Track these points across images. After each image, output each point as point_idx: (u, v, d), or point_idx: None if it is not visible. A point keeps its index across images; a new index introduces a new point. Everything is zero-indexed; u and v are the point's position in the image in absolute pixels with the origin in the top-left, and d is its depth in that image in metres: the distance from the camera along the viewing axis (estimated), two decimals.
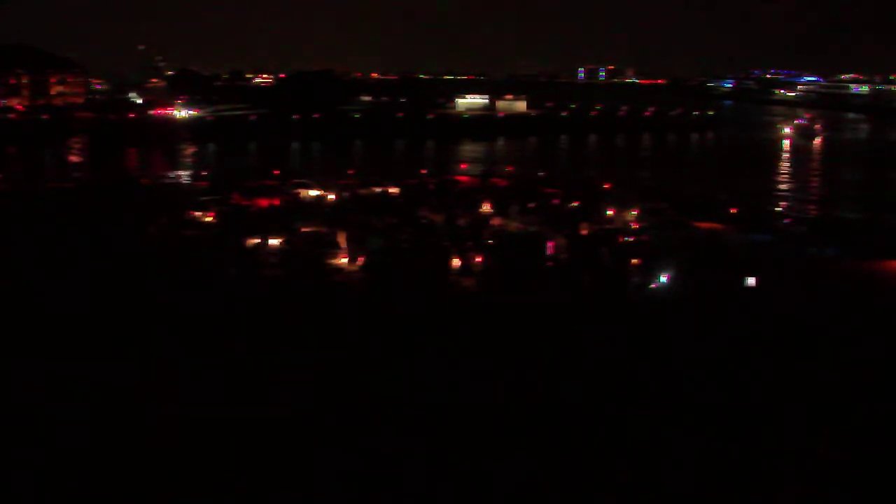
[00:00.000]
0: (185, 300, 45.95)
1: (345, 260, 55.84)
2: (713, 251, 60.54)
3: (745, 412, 33.10)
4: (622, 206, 72.03)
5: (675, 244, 61.00)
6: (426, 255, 56.23)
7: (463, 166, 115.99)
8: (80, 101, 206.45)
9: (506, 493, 27.67)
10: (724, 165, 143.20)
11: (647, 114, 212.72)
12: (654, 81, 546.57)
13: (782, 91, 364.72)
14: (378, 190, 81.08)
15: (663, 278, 50.57)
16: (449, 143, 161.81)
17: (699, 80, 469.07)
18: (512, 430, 31.65)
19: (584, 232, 64.02)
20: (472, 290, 50.69)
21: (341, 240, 59.38)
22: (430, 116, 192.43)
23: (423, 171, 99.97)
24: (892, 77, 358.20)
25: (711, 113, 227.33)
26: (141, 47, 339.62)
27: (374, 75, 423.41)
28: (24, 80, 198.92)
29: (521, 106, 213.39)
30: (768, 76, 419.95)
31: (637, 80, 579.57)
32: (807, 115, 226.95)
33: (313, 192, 79.03)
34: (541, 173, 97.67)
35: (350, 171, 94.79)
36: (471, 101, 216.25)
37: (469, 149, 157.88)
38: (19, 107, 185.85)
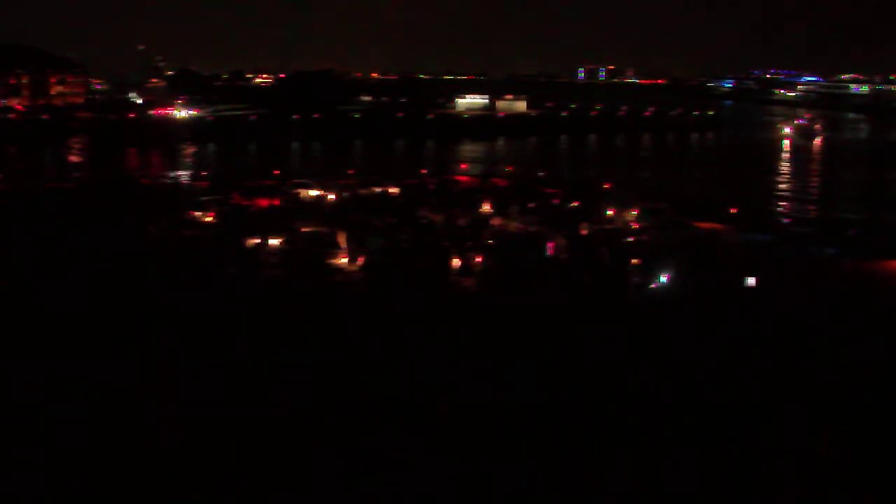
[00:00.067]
0: (185, 300, 45.95)
1: (345, 260, 55.85)
2: (713, 251, 60.57)
3: (745, 412, 33.09)
4: (622, 206, 72.04)
5: (675, 244, 61.01)
6: (426, 255, 56.26)
7: (463, 166, 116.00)
8: (80, 101, 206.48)
9: (506, 493, 27.66)
10: (724, 165, 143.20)
11: (647, 114, 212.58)
12: (654, 81, 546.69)
13: (782, 91, 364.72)
14: (378, 190, 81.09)
15: (663, 278, 50.57)
16: (449, 143, 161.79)
17: (699, 80, 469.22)
18: (512, 430, 31.64)
19: (584, 232, 64.03)
20: (472, 290, 50.69)
21: (341, 240, 59.39)
22: (430, 116, 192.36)
23: (423, 171, 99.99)
24: (892, 77, 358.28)
25: (711, 113, 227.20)
26: (141, 47, 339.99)
27: (374, 75, 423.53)
28: (24, 80, 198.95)
29: (521, 106, 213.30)
30: (768, 76, 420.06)
31: (637, 80, 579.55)
32: (807, 115, 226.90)
33: (313, 192, 79.03)
34: (541, 173, 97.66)
35: (350, 171, 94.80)
36: (471, 101, 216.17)
37: (469, 149, 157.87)
38: (19, 107, 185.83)
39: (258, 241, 58.94)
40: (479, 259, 55.05)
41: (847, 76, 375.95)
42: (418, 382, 35.72)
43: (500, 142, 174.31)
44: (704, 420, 32.39)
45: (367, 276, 53.27)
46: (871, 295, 50.56)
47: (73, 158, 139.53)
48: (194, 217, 67.92)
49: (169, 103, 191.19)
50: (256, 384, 35.46)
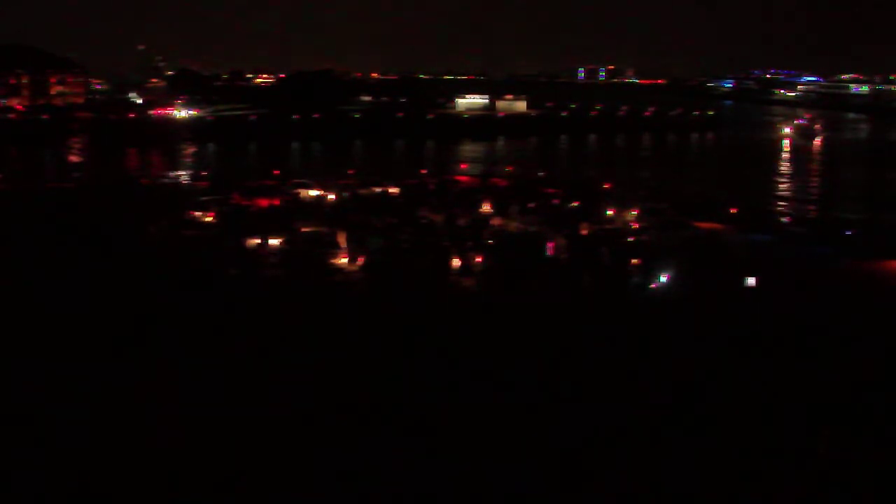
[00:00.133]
0: (185, 300, 45.95)
1: (345, 260, 55.84)
2: (713, 251, 60.55)
3: (745, 412, 33.09)
4: (622, 206, 72.03)
5: (675, 244, 61.01)
6: (426, 255, 56.24)
7: (463, 166, 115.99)
8: (80, 101, 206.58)
9: (506, 493, 27.66)
10: (724, 165, 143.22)
11: (647, 114, 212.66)
12: (654, 81, 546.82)
13: (782, 91, 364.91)
14: (378, 190, 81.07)
15: (663, 278, 50.57)
16: (449, 143, 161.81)
17: (699, 80, 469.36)
18: (512, 430, 31.64)
19: (584, 232, 64.02)
20: (472, 290, 50.69)
21: (341, 240, 59.38)
22: (430, 116, 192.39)
23: (423, 171, 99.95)
24: (892, 77, 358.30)
25: (711, 113, 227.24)
26: (141, 47, 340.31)
27: (374, 75, 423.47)
28: (24, 80, 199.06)
29: (521, 106, 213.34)
30: (768, 76, 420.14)
31: (637, 80, 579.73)
32: (807, 115, 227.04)
33: (313, 192, 79.02)
34: (541, 173, 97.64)
35: (350, 171, 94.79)
36: (471, 101, 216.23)
37: (469, 149, 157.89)
38: (19, 107, 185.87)
39: (258, 241, 58.93)
40: (479, 259, 55.04)
41: (847, 76, 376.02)
42: (418, 382, 35.71)
43: (500, 142, 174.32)
44: (704, 420, 32.39)
45: (367, 276, 53.26)
46: (871, 295, 50.56)
47: (73, 158, 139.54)
48: (194, 217, 67.90)
49: (169, 103, 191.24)
50: (256, 384, 35.47)
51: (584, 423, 32.05)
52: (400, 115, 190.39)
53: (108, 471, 28.52)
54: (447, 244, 58.43)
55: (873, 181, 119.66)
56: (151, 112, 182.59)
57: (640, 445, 30.48)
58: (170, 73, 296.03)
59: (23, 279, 50.03)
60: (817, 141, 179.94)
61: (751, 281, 49.87)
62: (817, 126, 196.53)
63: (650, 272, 51.96)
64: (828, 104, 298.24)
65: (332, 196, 77.52)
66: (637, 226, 67.44)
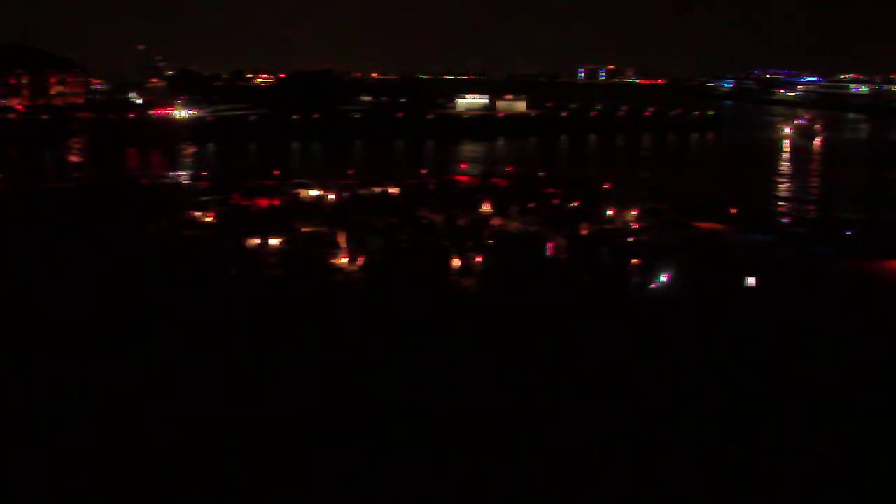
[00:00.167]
0: (185, 300, 45.94)
1: (345, 260, 55.84)
2: (713, 251, 60.55)
3: (745, 412, 33.09)
4: (622, 206, 72.03)
5: (675, 244, 61.00)
6: (426, 255, 56.24)
7: (463, 166, 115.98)
8: (80, 101, 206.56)
9: (506, 493, 27.66)
10: (724, 165, 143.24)
11: (647, 114, 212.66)
12: (654, 81, 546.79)
13: (782, 91, 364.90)
14: (378, 190, 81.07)
15: (663, 278, 50.57)
16: (449, 143, 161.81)
17: (699, 80, 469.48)
18: (512, 430, 31.64)
19: (584, 232, 64.01)
20: (472, 290, 50.68)
21: (341, 240, 59.37)
22: (430, 116, 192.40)
23: (423, 171, 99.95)
24: (892, 77, 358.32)
25: (711, 113, 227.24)
26: (141, 47, 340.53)
27: (374, 75, 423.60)
28: (24, 80, 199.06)
29: (521, 106, 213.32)
30: (768, 76, 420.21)
31: (637, 80, 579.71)
32: (807, 115, 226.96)
33: (313, 192, 79.02)
34: (541, 173, 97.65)
35: (350, 171, 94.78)
36: (471, 101, 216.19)
37: (469, 149, 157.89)
38: (19, 107, 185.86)
39: (258, 241, 58.92)
40: (479, 259, 55.04)
41: (847, 76, 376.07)
42: (418, 382, 35.71)
43: (500, 142, 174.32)
44: (704, 420, 32.39)
45: (367, 276, 53.26)
46: (871, 295, 50.55)
47: (73, 158, 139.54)
48: (194, 217, 67.89)
49: (169, 103, 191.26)
50: (256, 384, 35.46)
51: (584, 423, 32.04)
52: (400, 115, 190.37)
53: (108, 471, 28.52)
54: (447, 244, 58.42)
55: (873, 181, 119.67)
56: (151, 112, 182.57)
57: (640, 445, 30.48)
58: (170, 73, 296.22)
59: (23, 279, 50.02)
60: (817, 141, 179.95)
61: (751, 281, 49.86)
62: (817, 126, 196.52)
63: (650, 272, 51.95)
64: (828, 104, 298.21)
65: (332, 196, 77.52)
66: (637, 226, 67.43)
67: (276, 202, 74.45)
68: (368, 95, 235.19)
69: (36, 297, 46.66)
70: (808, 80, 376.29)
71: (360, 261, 55.30)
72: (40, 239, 58.70)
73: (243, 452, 29.76)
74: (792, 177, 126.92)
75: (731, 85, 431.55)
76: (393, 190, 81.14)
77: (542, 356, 38.61)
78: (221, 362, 37.45)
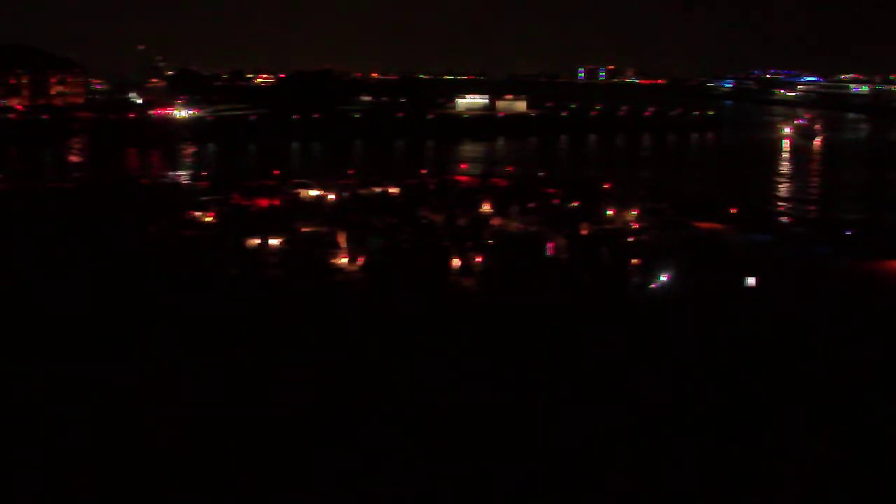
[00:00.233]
0: (185, 300, 45.94)
1: (345, 260, 55.84)
2: (713, 251, 60.54)
3: (745, 412, 33.09)
4: (622, 206, 72.03)
5: (675, 244, 61.00)
6: (426, 255, 56.24)
7: (463, 166, 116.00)
8: (80, 101, 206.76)
9: (506, 493, 27.66)
10: (724, 165, 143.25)
11: (647, 114, 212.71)
12: (654, 81, 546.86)
13: (782, 91, 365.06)
14: (378, 190, 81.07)
15: (663, 278, 50.56)
16: (449, 143, 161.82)
17: (699, 80, 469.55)
18: (512, 430, 31.64)
19: (584, 232, 64.01)
20: (472, 290, 50.69)
21: (341, 240, 59.37)
22: (430, 116, 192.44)
23: (423, 171, 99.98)
24: (892, 77, 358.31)
25: (711, 113, 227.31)
26: (141, 47, 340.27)
27: (374, 75, 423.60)
28: (24, 80, 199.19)
29: (521, 106, 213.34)
30: (768, 76, 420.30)
31: (637, 80, 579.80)
32: (807, 115, 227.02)
33: (313, 192, 79.02)
34: (541, 173, 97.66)
35: (350, 171, 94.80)
36: (471, 101, 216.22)
37: (469, 149, 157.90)
38: (19, 107, 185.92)
39: (258, 241, 58.92)
40: (479, 259, 55.04)
41: (847, 76, 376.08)
42: (418, 382, 35.71)
43: (500, 142, 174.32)
44: (704, 420, 32.39)
45: (367, 276, 53.26)
46: (871, 295, 50.55)
47: (73, 158, 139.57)
48: (194, 217, 67.89)
49: (169, 103, 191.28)
50: (256, 384, 35.47)
51: (584, 423, 32.05)
52: (400, 115, 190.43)
53: (109, 471, 28.52)
54: (447, 244, 58.42)
55: (873, 181, 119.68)
56: (151, 112, 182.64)
57: (640, 445, 30.48)
58: (170, 73, 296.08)
59: (23, 279, 50.02)
60: (817, 141, 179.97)
61: (751, 281, 49.86)
62: (817, 126, 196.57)
63: (650, 272, 51.95)
64: (828, 104, 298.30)
65: (332, 196, 77.52)
66: (637, 226, 67.43)
67: (276, 202, 74.45)
68: (368, 95, 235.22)
69: (36, 297, 46.66)
70: (808, 80, 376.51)
71: (360, 261, 55.30)
72: (40, 239, 58.70)
73: (243, 452, 29.76)
74: (792, 177, 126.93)
75: (731, 85, 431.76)
76: (393, 190, 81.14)
77: (542, 356, 38.61)
78: (221, 362, 37.46)
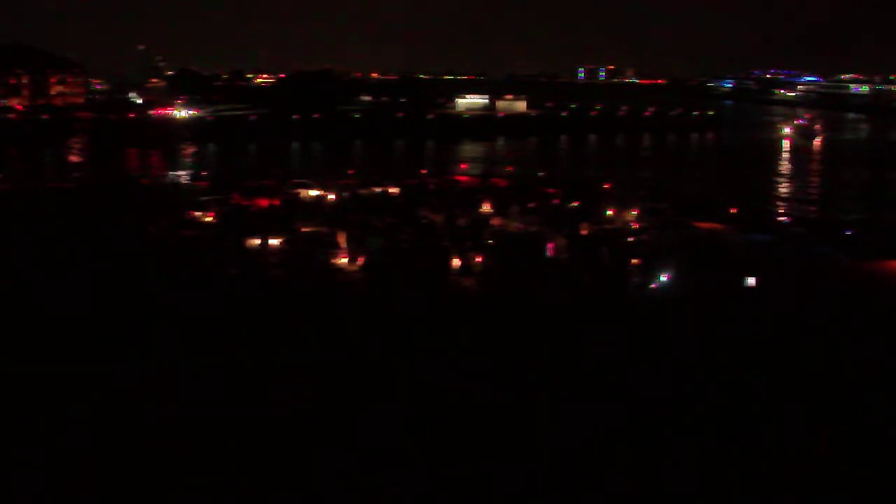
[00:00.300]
0: (185, 300, 45.94)
1: (345, 260, 55.84)
2: (713, 251, 60.55)
3: (745, 412, 33.09)
4: (622, 206, 72.04)
5: (675, 244, 61.01)
6: (426, 255, 56.24)
7: (463, 166, 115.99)
8: (80, 101, 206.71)
9: (506, 493, 27.66)
10: (724, 165, 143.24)
11: (647, 114, 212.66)
12: (654, 81, 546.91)
13: (782, 91, 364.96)
14: (378, 190, 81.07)
15: (663, 278, 50.56)
16: (449, 143, 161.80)
17: (699, 80, 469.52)
18: (512, 430, 31.64)
19: (584, 232, 64.01)
20: (472, 290, 50.69)
21: (341, 240, 59.37)
22: (430, 116, 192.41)
23: (423, 171, 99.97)
24: (892, 77, 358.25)
25: (711, 113, 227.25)
26: (141, 47, 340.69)
27: (374, 75, 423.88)
28: (24, 80, 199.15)
29: (521, 106, 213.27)
30: (768, 76, 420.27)
31: (637, 80, 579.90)
32: (807, 115, 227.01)
33: (313, 192, 79.02)
34: (541, 173, 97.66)
35: (350, 171, 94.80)
36: (471, 101, 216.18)
37: (469, 149, 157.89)
38: (19, 107, 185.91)
39: (258, 241, 58.92)
40: (479, 259, 55.04)
41: (847, 76, 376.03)
42: (418, 382, 35.72)
43: (500, 142, 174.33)
44: (704, 420, 32.39)
45: (367, 276, 53.26)
46: (871, 295, 50.56)
47: (73, 158, 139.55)
48: (194, 217, 67.89)
49: (169, 103, 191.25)
50: (256, 384, 35.47)
51: (584, 423, 32.05)
52: (400, 115, 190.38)
53: (109, 471, 28.52)
54: (447, 244, 58.42)
55: (873, 181, 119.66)
56: (151, 112, 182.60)
57: (640, 445, 30.48)
58: (170, 73, 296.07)
59: (23, 279, 50.03)
60: (817, 141, 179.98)
61: (751, 281, 49.86)
62: (817, 126, 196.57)
63: (650, 272, 51.95)
64: (828, 104, 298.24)
65: (332, 196, 77.52)
66: (637, 226, 67.43)
67: (276, 202, 74.45)
68: (368, 95, 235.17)
69: (36, 297, 46.66)
70: (808, 80, 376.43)
71: (360, 261, 55.31)
72: (40, 239, 58.70)
73: (243, 452, 29.76)
74: (792, 177, 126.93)
75: (731, 85, 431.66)
76: (393, 190, 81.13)
77: (542, 356, 38.61)
78: (221, 362, 37.46)
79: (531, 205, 73.22)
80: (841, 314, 45.55)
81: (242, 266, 54.07)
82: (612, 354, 38.77)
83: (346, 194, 78.27)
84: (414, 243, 59.45)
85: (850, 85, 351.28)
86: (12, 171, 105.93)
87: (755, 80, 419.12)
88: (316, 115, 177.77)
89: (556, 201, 75.93)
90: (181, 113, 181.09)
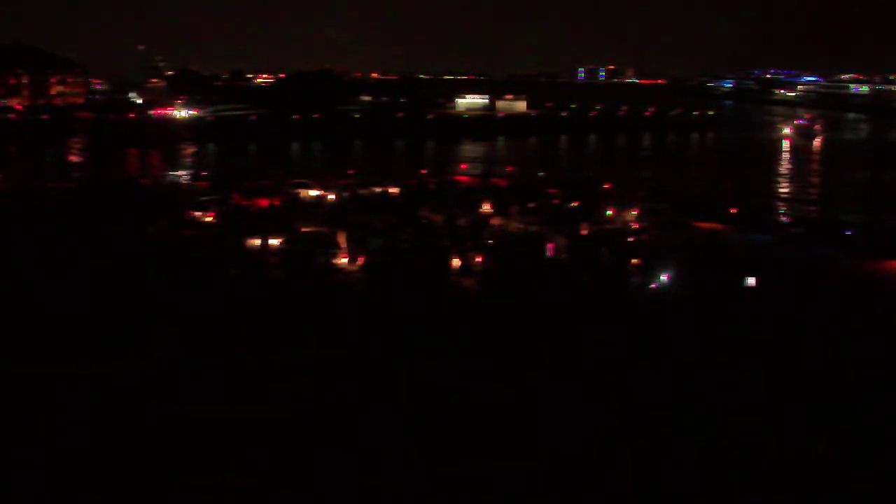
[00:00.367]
0: (185, 300, 45.95)
1: (345, 260, 55.84)
2: (713, 251, 60.54)
3: (745, 412, 33.08)
4: (622, 206, 72.04)
5: (675, 244, 61.01)
6: (426, 255, 56.24)
7: (463, 166, 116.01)
8: (80, 101, 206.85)
9: (506, 493, 27.66)
10: (724, 165, 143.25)
11: (647, 114, 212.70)
12: (654, 81, 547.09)
13: (782, 91, 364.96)
14: (378, 190, 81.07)
15: (663, 278, 50.57)
16: (449, 143, 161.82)
17: (699, 80, 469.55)
18: (512, 430, 31.64)
19: (584, 232, 64.02)
20: (472, 290, 50.69)
21: (341, 240, 59.38)
22: (430, 116, 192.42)
23: (423, 171, 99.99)
24: (892, 77, 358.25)
25: (711, 113, 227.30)
26: (141, 47, 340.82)
27: (374, 75, 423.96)
28: (24, 80, 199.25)
29: (521, 106, 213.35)
30: (768, 76, 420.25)
31: (637, 80, 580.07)
32: (807, 115, 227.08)
33: (313, 192, 79.04)
34: (541, 173, 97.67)
35: (350, 171, 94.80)
36: (471, 101, 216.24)
37: (469, 149, 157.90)
38: (19, 107, 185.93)
39: (258, 241, 58.91)
40: (479, 259, 55.04)
41: (847, 76, 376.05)
42: (418, 382, 35.72)
43: (500, 142, 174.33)
44: (704, 420, 32.39)
45: (367, 276, 53.26)
46: (871, 295, 50.56)
47: (73, 158, 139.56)
48: (194, 217, 67.89)
49: (169, 103, 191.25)
50: (256, 384, 35.47)
51: (584, 423, 32.05)
52: (400, 115, 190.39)
53: (109, 471, 28.52)
54: (447, 244, 58.42)
55: (873, 181, 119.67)
56: (151, 112, 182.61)
57: (640, 445, 30.48)
58: (170, 73, 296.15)
59: (23, 279, 50.03)
60: (817, 141, 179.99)
61: (751, 281, 49.86)
62: (817, 126, 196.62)
63: (650, 272, 51.95)
64: (828, 104, 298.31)
65: (332, 196, 77.52)
66: (637, 226, 67.43)
67: (276, 202, 74.46)
68: (368, 95, 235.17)
69: (36, 297, 46.66)
70: (808, 80, 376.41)
71: (360, 261, 55.31)
72: (40, 239, 58.70)
73: (243, 452, 29.76)
74: (792, 177, 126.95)
75: (731, 85, 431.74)
76: (393, 190, 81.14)
77: (542, 356, 38.61)
78: (221, 362, 37.46)
79: (531, 205, 73.21)
80: (841, 314, 45.54)
81: (242, 266, 54.07)
82: (612, 354, 38.77)
83: (346, 194, 78.28)
84: (414, 243, 59.45)
85: (850, 85, 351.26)
86: (12, 171, 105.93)
87: (755, 80, 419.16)
88: (316, 115, 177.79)
89: (556, 201, 75.94)
90: (181, 113, 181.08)
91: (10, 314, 43.85)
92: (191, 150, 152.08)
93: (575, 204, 74.24)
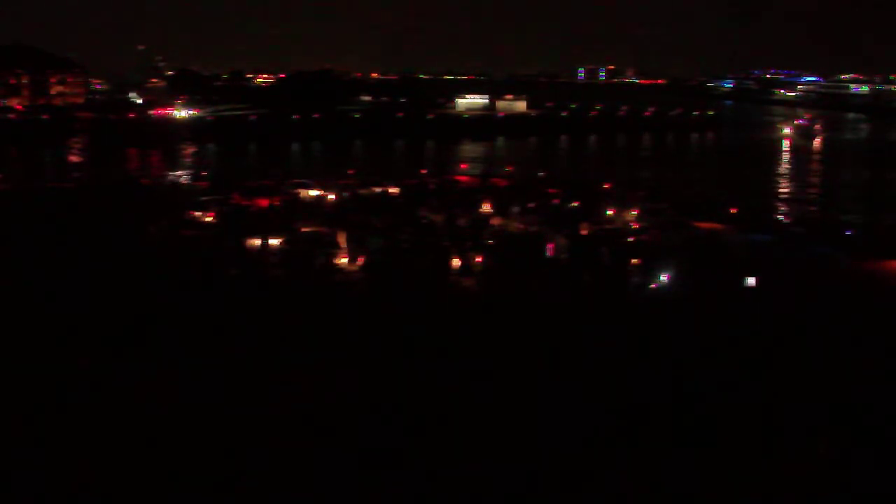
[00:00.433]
0: (185, 300, 45.93)
1: (345, 260, 55.83)
2: (713, 251, 60.53)
3: (745, 413, 33.07)
4: (622, 206, 72.02)
5: (675, 244, 60.99)
6: (426, 255, 56.22)
7: (463, 166, 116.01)
8: (80, 101, 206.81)
9: (506, 493, 27.66)
10: (724, 165, 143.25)
11: (647, 114, 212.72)
12: (654, 81, 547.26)
13: (782, 91, 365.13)
14: (378, 190, 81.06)
15: (663, 278, 50.56)
16: (449, 143, 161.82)
17: (699, 80, 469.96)
18: (512, 430, 31.63)
19: (584, 232, 64.00)
20: (472, 290, 50.68)
21: (341, 240, 59.37)
22: (430, 116, 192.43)
23: (423, 171, 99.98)
24: (892, 77, 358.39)
25: (711, 113, 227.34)
26: (141, 47, 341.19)
27: (374, 75, 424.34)
28: (24, 80, 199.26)
29: (521, 106, 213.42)
30: (768, 76, 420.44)
31: (637, 80, 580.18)
32: (807, 115, 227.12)
33: (313, 192, 79.02)
34: (541, 173, 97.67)
35: (350, 171, 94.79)
36: (471, 101, 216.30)
37: (469, 149, 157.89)
38: (19, 107, 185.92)
39: (258, 241, 58.90)
40: (479, 259, 55.03)
41: (847, 76, 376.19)
42: (418, 382, 35.71)
43: (500, 142, 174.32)
44: (704, 420, 32.38)
45: (367, 276, 53.25)
46: (871, 295, 50.54)
47: (73, 158, 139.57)
48: (194, 217, 67.88)
49: (169, 103, 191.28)
50: (256, 384, 35.46)
51: (585, 423, 32.05)
52: (400, 115, 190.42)
53: (109, 471, 28.51)
54: (447, 244, 58.40)
55: (873, 181, 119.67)
56: (151, 112, 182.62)
57: (641, 446, 30.47)
58: (170, 73, 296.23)
59: (23, 279, 50.01)
60: (817, 141, 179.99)
61: (751, 281, 49.84)
62: (817, 126, 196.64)
63: (650, 272, 51.94)
64: (828, 104, 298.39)
65: (332, 196, 77.51)
66: (637, 226, 67.41)
67: (276, 202, 74.45)
68: (368, 95, 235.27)
69: (36, 297, 46.64)
70: (808, 80, 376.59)
71: (360, 261, 55.29)
72: (40, 239, 58.68)
73: (243, 452, 29.75)
74: (792, 177, 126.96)
75: (731, 85, 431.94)
76: (393, 190, 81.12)
77: (542, 356, 38.59)
78: (221, 362, 37.45)
79: (531, 205, 73.19)
80: (841, 314, 45.52)
81: (242, 266, 54.06)
82: (612, 354, 38.75)
83: (346, 194, 78.25)
84: (414, 243, 59.43)
85: (850, 85, 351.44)
86: (12, 171, 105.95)
87: (755, 80, 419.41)
88: (316, 115, 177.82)
89: (556, 201, 75.91)
90: (181, 113, 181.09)
91: (10, 314, 43.83)
92: (191, 150, 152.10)
93: (575, 204, 74.20)
